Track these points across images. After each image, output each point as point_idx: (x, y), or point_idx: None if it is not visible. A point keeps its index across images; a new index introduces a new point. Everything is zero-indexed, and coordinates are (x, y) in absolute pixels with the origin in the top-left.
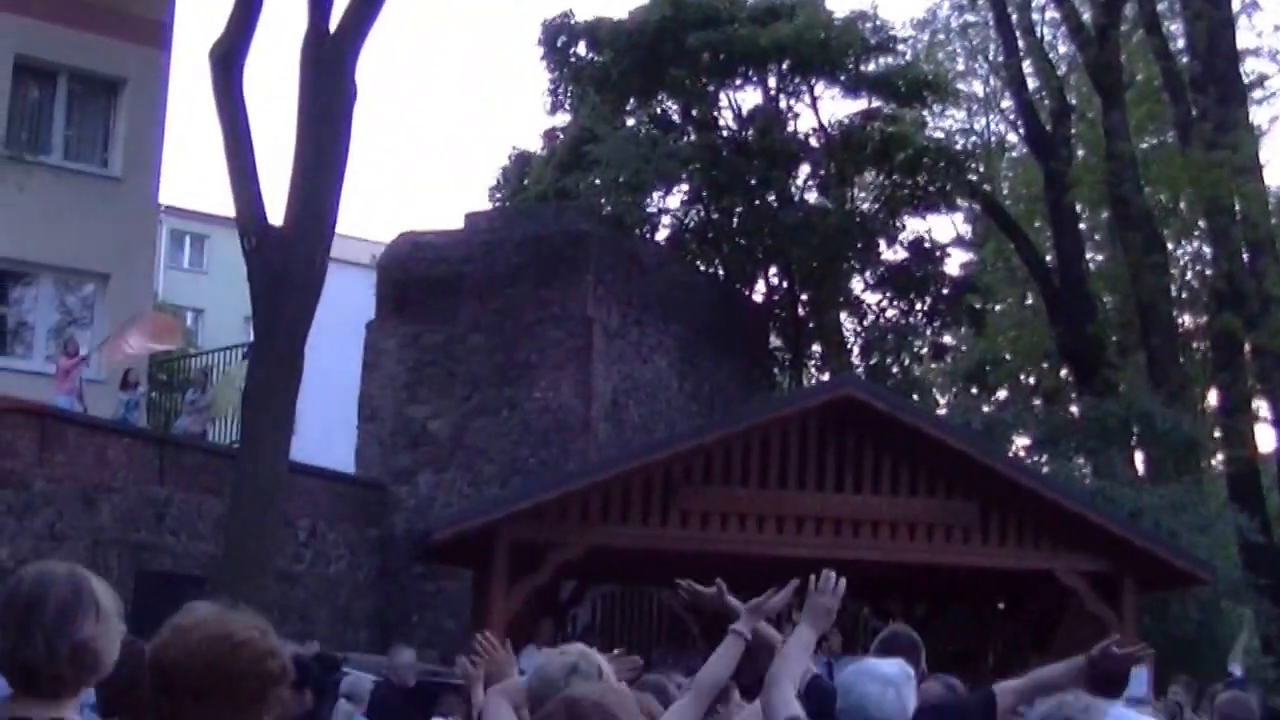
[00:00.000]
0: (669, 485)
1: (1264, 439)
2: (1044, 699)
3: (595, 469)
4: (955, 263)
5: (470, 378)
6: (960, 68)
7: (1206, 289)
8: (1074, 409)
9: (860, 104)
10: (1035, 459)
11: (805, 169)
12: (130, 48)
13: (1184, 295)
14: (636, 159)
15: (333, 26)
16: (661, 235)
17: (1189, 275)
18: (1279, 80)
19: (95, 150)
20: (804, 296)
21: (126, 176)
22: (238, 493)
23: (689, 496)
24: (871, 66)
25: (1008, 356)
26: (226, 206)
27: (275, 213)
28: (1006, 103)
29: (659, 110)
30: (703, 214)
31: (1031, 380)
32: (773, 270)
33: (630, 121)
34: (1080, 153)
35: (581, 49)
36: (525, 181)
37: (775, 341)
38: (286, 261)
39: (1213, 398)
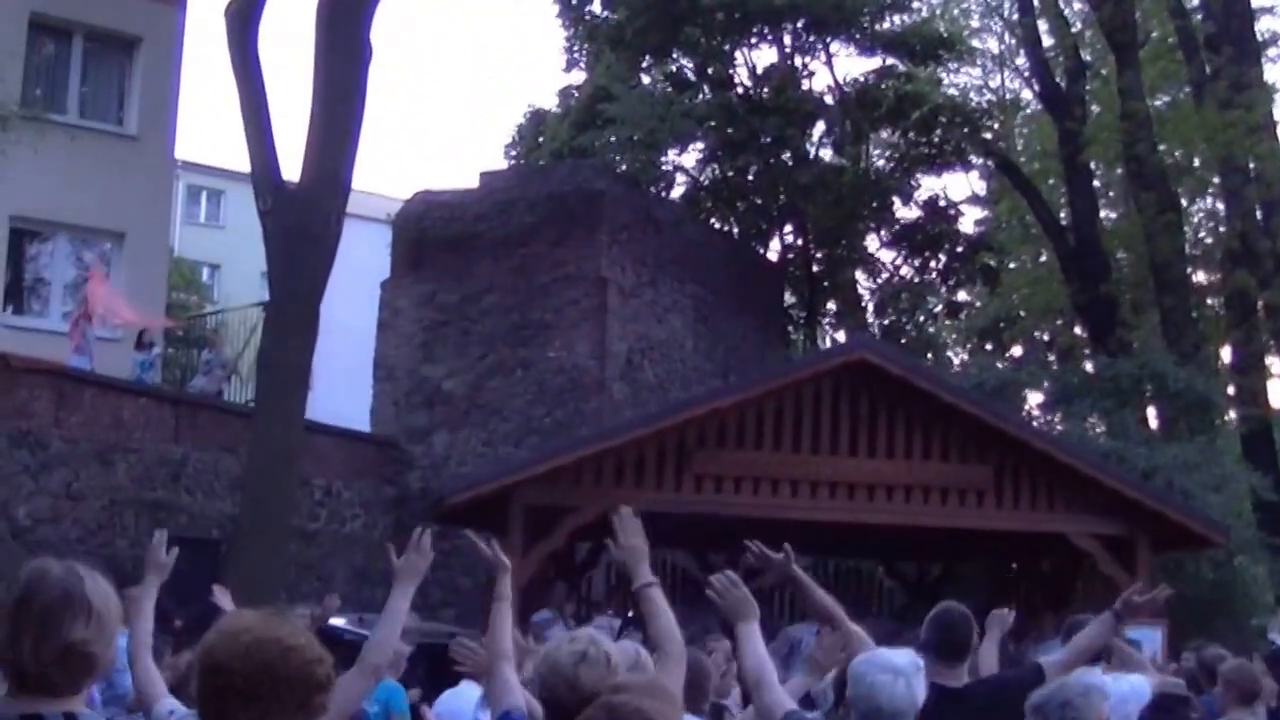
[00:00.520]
0: (684, 449)
1: (1277, 396)
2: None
3: (610, 433)
4: (969, 220)
5: (485, 337)
6: (975, 24)
7: (1220, 247)
8: (1088, 365)
9: (875, 62)
10: (1049, 418)
11: (820, 127)
12: (145, 5)
13: (1198, 252)
14: (652, 117)
15: None
16: (676, 193)
17: (1203, 232)
18: None
19: (111, 109)
20: (819, 254)
21: (142, 135)
22: (254, 452)
23: (704, 460)
24: (886, 24)
25: (1022, 314)
26: (243, 162)
27: (291, 171)
28: (1021, 60)
29: (674, 68)
30: (718, 172)
31: (1046, 337)
32: (788, 228)
33: (645, 79)
34: (1095, 109)
35: (597, 7)
36: (541, 140)
37: (790, 299)
38: (302, 221)
39: (1226, 354)
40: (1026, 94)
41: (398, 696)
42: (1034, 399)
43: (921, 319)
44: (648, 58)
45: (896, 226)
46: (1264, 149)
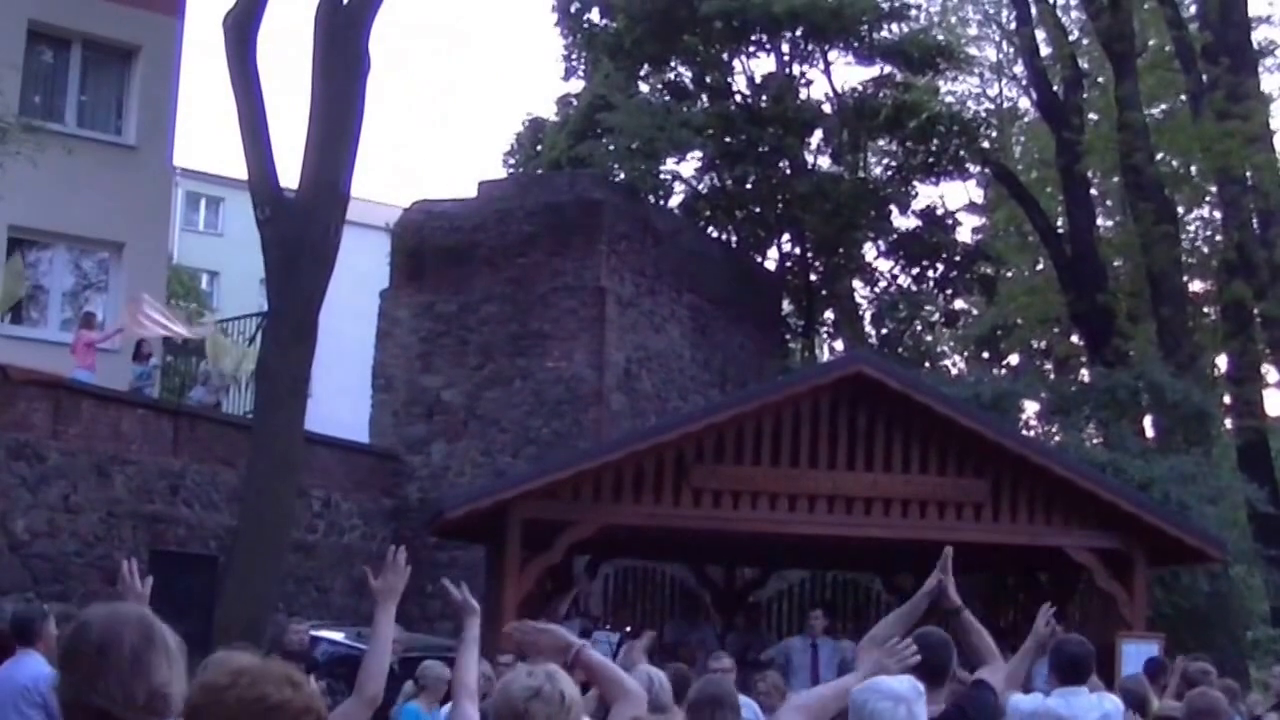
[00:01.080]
0: (681, 464)
1: (1273, 404)
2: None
3: (608, 448)
4: (967, 229)
5: (483, 347)
6: (973, 33)
7: (1217, 256)
8: (1085, 374)
9: (873, 71)
10: (1047, 427)
11: (818, 136)
12: (144, 15)
13: (1195, 261)
14: (650, 126)
15: None
16: (675, 202)
17: (1200, 241)
18: None
19: (109, 118)
20: (817, 263)
21: (141, 144)
22: (252, 464)
23: (701, 475)
24: (885, 33)
25: (1019, 323)
26: (242, 169)
27: (290, 179)
28: (1019, 69)
29: (672, 77)
30: (716, 181)
31: (1043, 346)
32: (786, 237)
33: (644, 88)
34: (1093, 118)
35: (595, 15)
36: (539, 148)
37: (788, 308)
38: (301, 232)
39: (1222, 362)
40: (1024, 103)
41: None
42: (1031, 407)
43: (919, 328)
44: (646, 67)
45: (894, 236)
46: (1261, 159)
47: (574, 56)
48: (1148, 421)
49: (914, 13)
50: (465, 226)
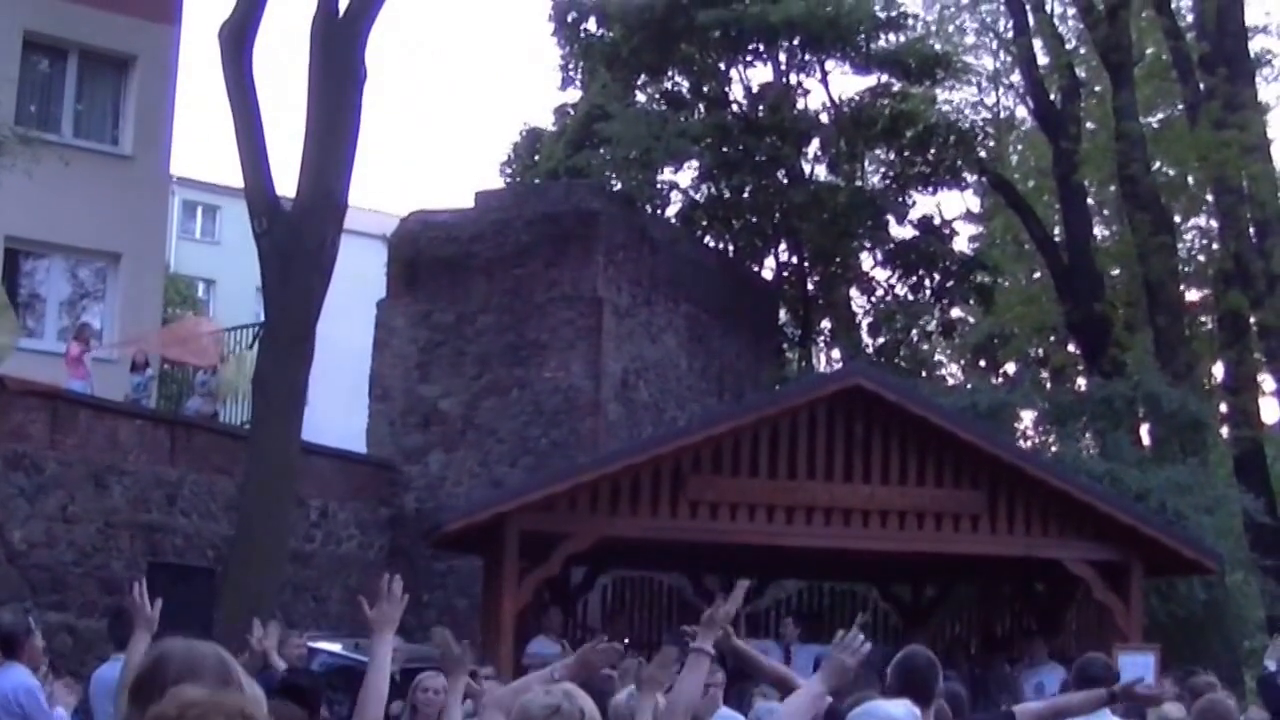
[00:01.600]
0: (678, 476)
1: (1269, 413)
2: None
3: (605, 460)
4: (963, 238)
5: (481, 357)
6: (970, 43)
7: (1214, 265)
8: (1081, 383)
9: (870, 80)
10: (1043, 437)
11: (815, 145)
12: (140, 24)
13: (1191, 270)
14: (647, 136)
15: (342, 7)
16: (671, 212)
17: (1196, 250)
18: None
19: (105, 128)
20: (814, 273)
21: (137, 154)
22: (249, 474)
23: (698, 487)
24: (882, 43)
25: (1016, 332)
26: (238, 178)
27: (287, 187)
28: (1016, 78)
29: (669, 87)
30: (713, 191)
31: (1040, 353)
32: (783, 247)
33: (641, 98)
34: (1090, 126)
35: (592, 25)
36: (536, 158)
37: (785, 318)
38: (298, 243)
39: (1218, 371)
40: (1021, 112)
41: None
42: (1028, 417)
43: (916, 337)
44: (643, 76)
45: (891, 245)
46: (1258, 169)
47: (571, 66)
48: (1144, 431)
49: (911, 22)
50: (462, 236)
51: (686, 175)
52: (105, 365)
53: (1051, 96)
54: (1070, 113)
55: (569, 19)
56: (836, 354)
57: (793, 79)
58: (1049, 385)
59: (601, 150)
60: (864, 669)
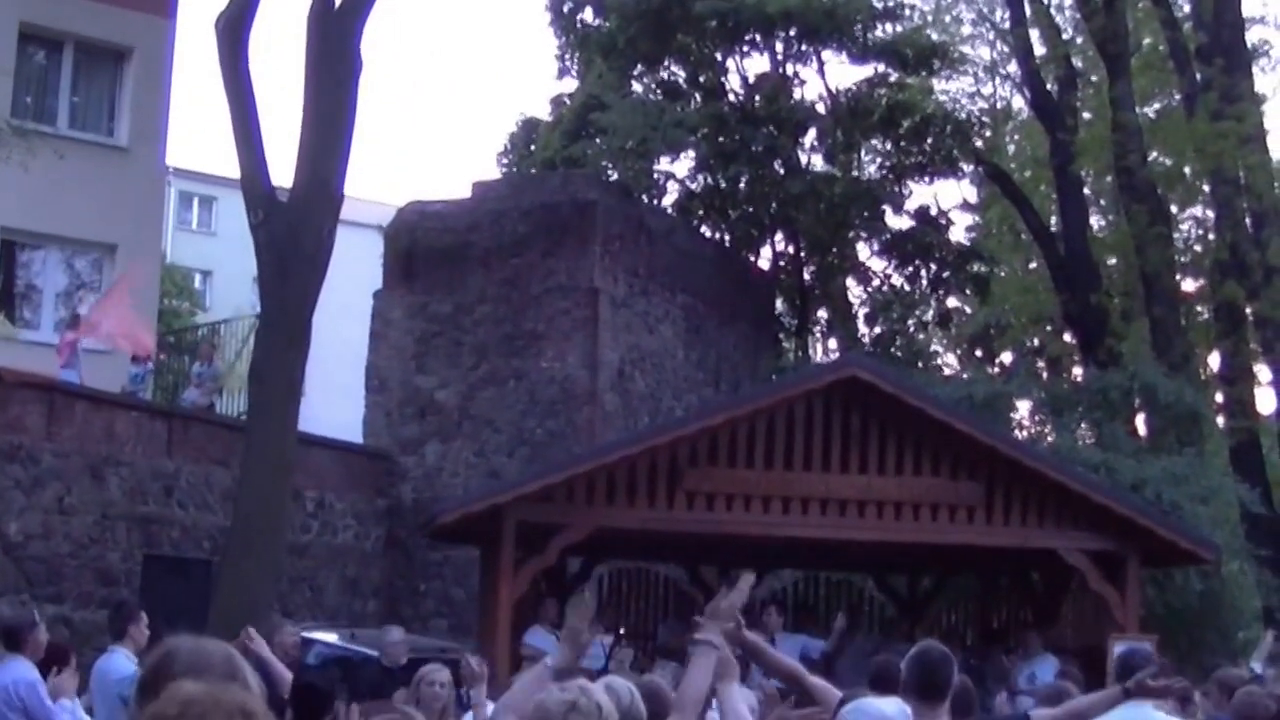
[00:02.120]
0: (675, 467)
1: (1265, 404)
2: None
3: (601, 451)
4: (960, 229)
5: (477, 347)
6: (967, 33)
7: (1210, 255)
8: (1078, 373)
9: (867, 70)
10: (1040, 427)
11: (812, 136)
12: (136, 16)
13: (1188, 260)
14: (643, 126)
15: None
16: (668, 201)
17: (1192, 241)
18: None
19: (101, 119)
20: (810, 263)
21: (133, 146)
22: (246, 465)
23: (695, 478)
24: (878, 33)
25: (1012, 322)
26: (235, 169)
27: (283, 179)
28: (1013, 69)
29: (666, 76)
30: (709, 181)
31: (1036, 344)
32: (779, 237)
33: (637, 88)
34: (1086, 117)
35: (589, 15)
36: (533, 148)
37: (781, 308)
38: (294, 234)
39: (1214, 362)
40: (1018, 102)
41: None
42: (1024, 407)
43: (912, 327)
44: (639, 66)
45: (887, 235)
46: (1254, 160)
47: (567, 56)
48: (1140, 421)
49: (908, 12)
50: (459, 227)
51: (683, 165)
52: (103, 357)
53: (1048, 87)
54: (1067, 103)
55: (565, 9)
56: (833, 344)
57: (789, 69)
58: (1045, 375)
59: (598, 140)
60: (856, 660)
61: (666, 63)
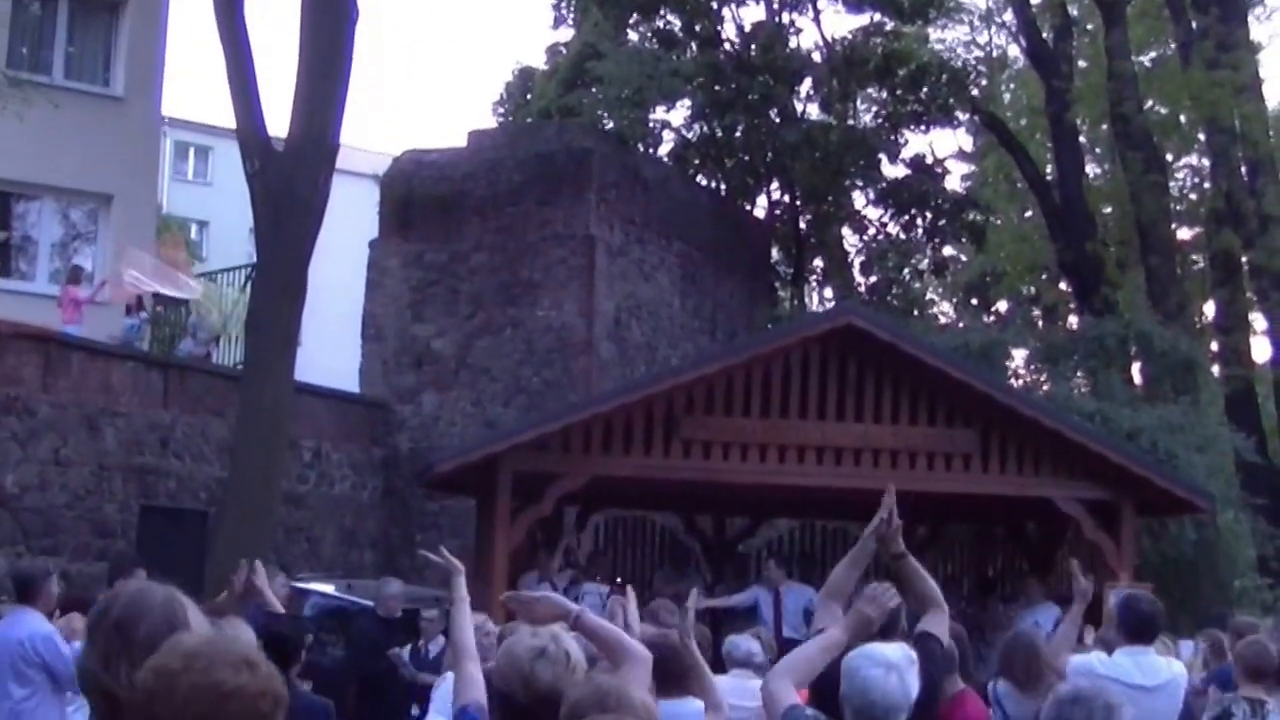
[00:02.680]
0: (671, 416)
1: (1260, 352)
2: (1060, 684)
3: (598, 400)
4: (956, 177)
5: (473, 296)
6: None
7: (1205, 205)
8: (1073, 320)
9: (863, 19)
10: (1035, 376)
11: (808, 84)
12: None
13: (1183, 209)
14: (639, 75)
15: None
16: (664, 151)
17: (1188, 189)
18: None
19: (97, 70)
20: (806, 212)
21: (129, 96)
22: (243, 416)
23: (691, 426)
24: None
25: (1008, 270)
26: (231, 119)
27: (279, 131)
28: (1009, 17)
29: (661, 25)
30: (705, 130)
31: (1032, 292)
32: (775, 186)
33: (633, 37)
34: (1082, 65)
35: None
36: (529, 97)
37: (777, 257)
38: (290, 183)
39: (1210, 310)
40: (1014, 51)
41: None
42: (1020, 356)
43: (908, 276)
44: (635, 15)
45: (883, 184)
46: (1249, 108)
47: (563, 5)
48: (1136, 370)
49: None
50: (455, 176)
51: (679, 114)
52: (98, 308)
53: (1044, 35)
54: (1062, 51)
55: None
56: (829, 293)
57: (785, 18)
58: (1041, 324)
59: (594, 89)
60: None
61: (662, 12)
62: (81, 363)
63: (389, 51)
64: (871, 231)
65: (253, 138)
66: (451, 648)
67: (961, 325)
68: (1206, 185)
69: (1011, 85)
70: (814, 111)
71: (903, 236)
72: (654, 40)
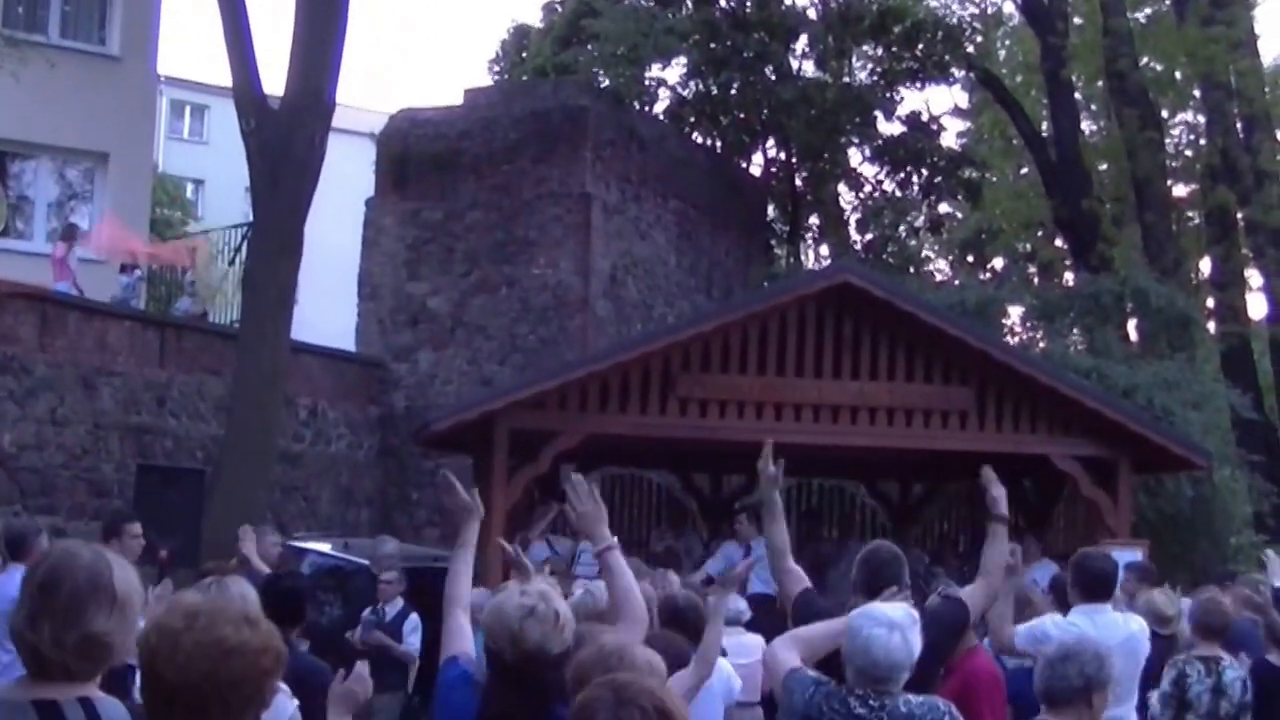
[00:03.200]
0: (668, 373)
1: (1256, 309)
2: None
3: (594, 358)
4: (951, 134)
5: (469, 254)
6: None
7: (1201, 162)
8: (1069, 277)
9: None
10: (1031, 333)
11: (803, 42)
12: None
13: (1178, 166)
14: (634, 32)
15: None
16: (659, 108)
17: (1183, 146)
18: None
19: (93, 28)
20: (801, 169)
21: (124, 55)
22: (239, 375)
23: (687, 384)
24: None
25: (1003, 228)
26: (227, 77)
27: (275, 90)
28: None
29: None
30: (701, 87)
31: (1028, 249)
32: (770, 143)
33: None
34: (1077, 22)
35: None
36: (524, 55)
37: (773, 214)
38: (286, 142)
39: (1205, 267)
40: (1009, 7)
41: None
42: (1015, 313)
43: (904, 233)
44: None
45: (879, 141)
46: (1245, 65)
47: None
48: (1132, 327)
49: None
50: (451, 134)
51: (674, 72)
52: (94, 267)
53: None
54: (1058, 8)
55: None
56: (825, 250)
57: None
58: (1036, 281)
59: (589, 47)
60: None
61: None
62: (78, 322)
63: (385, 10)
64: (867, 189)
65: (249, 96)
66: (446, 595)
67: (957, 282)
68: (1202, 141)
69: (1007, 42)
70: (809, 69)
71: (898, 194)
72: None
